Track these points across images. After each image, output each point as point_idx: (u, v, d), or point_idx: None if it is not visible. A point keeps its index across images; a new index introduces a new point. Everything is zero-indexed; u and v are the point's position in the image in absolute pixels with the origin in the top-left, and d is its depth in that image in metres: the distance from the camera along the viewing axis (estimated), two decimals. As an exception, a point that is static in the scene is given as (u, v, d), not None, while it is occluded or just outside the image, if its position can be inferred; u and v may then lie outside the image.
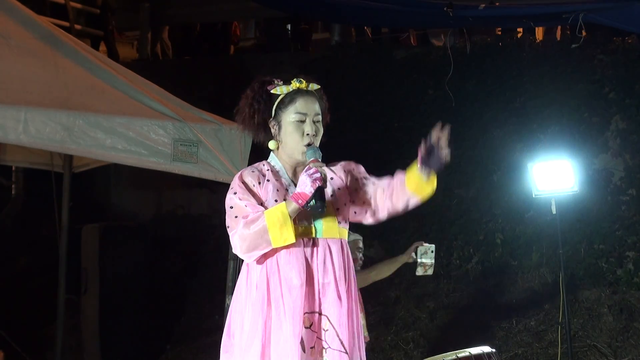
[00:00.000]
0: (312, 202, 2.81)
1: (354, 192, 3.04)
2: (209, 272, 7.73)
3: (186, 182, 7.84)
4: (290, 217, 2.79)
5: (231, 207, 2.89)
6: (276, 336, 2.85)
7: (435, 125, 2.81)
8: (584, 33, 6.56)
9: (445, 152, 2.81)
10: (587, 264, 6.61)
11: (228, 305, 4.83)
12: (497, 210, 7.05)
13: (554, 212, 5.34)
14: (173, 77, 8.55)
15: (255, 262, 2.91)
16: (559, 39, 8.27)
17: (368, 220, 3.06)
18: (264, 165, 3.01)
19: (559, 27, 8.64)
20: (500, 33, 8.76)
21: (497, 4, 7.27)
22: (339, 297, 2.90)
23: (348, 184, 3.05)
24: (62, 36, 4.65)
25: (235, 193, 2.90)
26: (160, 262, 7.48)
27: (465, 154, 7.28)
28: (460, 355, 3.48)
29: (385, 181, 3.03)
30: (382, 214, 3.04)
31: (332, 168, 3.07)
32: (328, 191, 2.94)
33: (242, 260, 2.98)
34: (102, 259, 6.75)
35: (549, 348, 5.98)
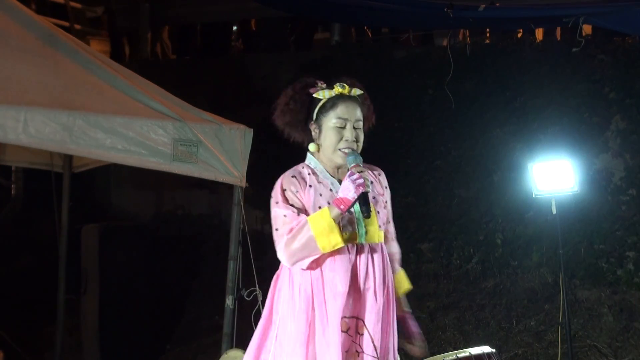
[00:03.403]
0: (357, 207, 2.86)
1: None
2: (209, 272, 7.72)
3: (186, 182, 7.84)
4: (335, 222, 2.81)
5: (272, 218, 2.93)
6: (319, 342, 2.87)
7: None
8: (584, 34, 6.56)
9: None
10: (587, 264, 6.61)
11: (228, 306, 4.86)
12: (497, 210, 7.05)
13: (554, 212, 5.34)
14: (173, 77, 8.55)
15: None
16: (559, 39, 8.26)
17: None
18: (303, 168, 3.02)
19: (559, 28, 8.63)
20: (500, 33, 8.75)
21: (497, 4, 7.26)
22: (376, 303, 2.94)
23: (384, 192, 3.11)
24: (62, 36, 4.64)
25: (277, 202, 2.92)
26: (160, 262, 7.47)
27: (465, 154, 7.28)
28: (460, 355, 3.47)
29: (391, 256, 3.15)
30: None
31: (374, 172, 3.12)
32: (370, 198, 2.97)
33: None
34: (102, 259, 6.75)
35: (549, 348, 5.98)
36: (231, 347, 4.72)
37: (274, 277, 3.09)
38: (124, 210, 8.88)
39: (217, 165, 4.61)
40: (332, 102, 2.99)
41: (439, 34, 9.14)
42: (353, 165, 2.89)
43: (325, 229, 2.79)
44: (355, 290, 2.91)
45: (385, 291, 2.99)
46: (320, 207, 2.90)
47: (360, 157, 2.94)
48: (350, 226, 2.92)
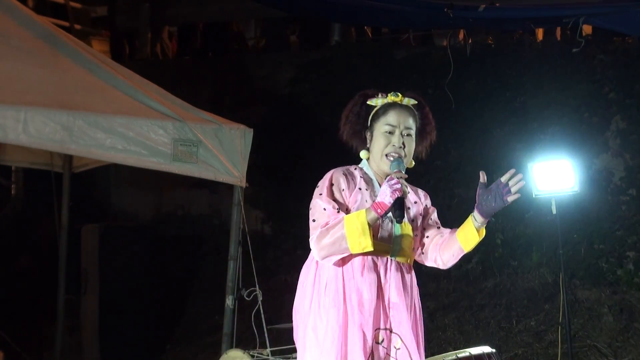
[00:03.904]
0: (392, 212, 2.88)
1: (422, 227, 3.12)
2: (209, 272, 7.73)
3: (186, 182, 7.85)
4: (370, 225, 2.82)
5: (312, 207, 2.93)
6: (350, 342, 2.88)
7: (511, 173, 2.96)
8: (584, 34, 6.56)
9: (512, 199, 2.95)
10: (587, 264, 6.61)
11: (228, 306, 4.86)
12: (497, 210, 7.04)
13: (554, 212, 5.34)
14: (173, 77, 8.55)
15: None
16: (559, 39, 8.26)
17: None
18: (355, 169, 3.05)
19: (559, 28, 8.64)
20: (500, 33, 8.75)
21: (497, 4, 7.26)
22: (410, 318, 2.97)
23: (423, 216, 3.13)
24: (62, 36, 4.65)
25: (320, 194, 2.94)
26: (160, 262, 7.47)
27: (465, 154, 7.27)
28: (460, 355, 3.48)
29: (445, 231, 3.12)
30: (427, 261, 3.13)
31: (419, 194, 3.16)
32: (410, 214, 3.02)
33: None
34: (102, 259, 6.75)
35: (549, 348, 5.98)
36: (231, 347, 4.72)
37: (303, 268, 3.09)
38: (124, 210, 8.88)
39: (217, 165, 4.61)
40: (384, 109, 3.05)
41: (439, 34, 9.14)
42: (395, 171, 2.91)
43: (358, 230, 2.81)
44: (382, 302, 2.94)
45: (414, 310, 3.03)
46: None
47: (404, 165, 2.97)
48: (387, 239, 2.96)
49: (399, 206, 2.86)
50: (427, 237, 3.11)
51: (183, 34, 11.00)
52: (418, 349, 2.98)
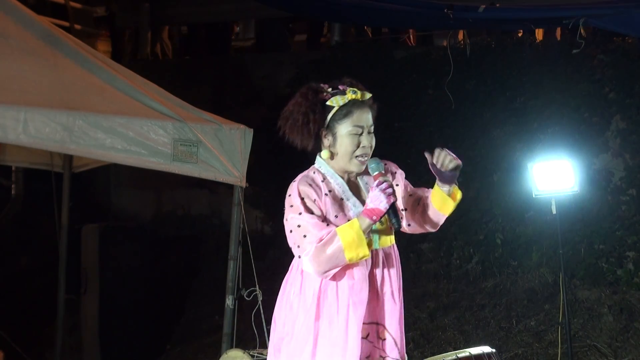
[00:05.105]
0: (389, 220, 2.85)
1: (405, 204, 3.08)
2: (209, 272, 7.73)
3: (186, 182, 7.84)
4: (364, 233, 2.78)
5: (298, 226, 2.83)
6: (333, 347, 2.85)
7: (434, 151, 2.92)
8: (584, 34, 6.55)
9: (451, 167, 2.93)
10: (587, 264, 6.61)
11: (228, 306, 4.86)
12: (497, 210, 7.05)
13: (554, 212, 5.33)
14: (173, 77, 8.56)
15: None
16: (559, 39, 8.26)
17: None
18: (314, 173, 2.97)
19: (559, 28, 8.63)
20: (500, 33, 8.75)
21: (497, 5, 7.26)
22: (396, 305, 2.95)
23: (402, 193, 3.08)
24: (62, 36, 4.65)
25: (300, 213, 2.84)
26: (160, 262, 7.48)
27: (465, 154, 7.26)
28: (460, 355, 3.47)
29: (419, 193, 3.08)
30: (412, 228, 3.10)
31: (396, 176, 3.09)
32: (400, 206, 2.97)
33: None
34: (102, 259, 6.76)
35: (549, 348, 5.97)
36: (231, 347, 4.72)
37: (284, 281, 3.04)
38: (124, 210, 8.88)
39: (217, 165, 4.61)
40: (347, 110, 2.94)
41: (439, 34, 9.15)
42: (376, 173, 2.87)
43: (354, 240, 2.76)
44: (373, 297, 2.92)
45: (399, 294, 3.00)
46: (336, 216, 2.88)
47: (382, 164, 2.92)
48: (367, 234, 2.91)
49: (394, 211, 2.83)
50: (409, 209, 3.07)
51: (183, 33, 11.01)
52: (402, 333, 2.97)
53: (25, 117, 4.07)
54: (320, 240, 2.78)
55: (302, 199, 2.87)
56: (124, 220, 8.37)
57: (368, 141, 2.94)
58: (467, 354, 3.50)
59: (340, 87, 2.97)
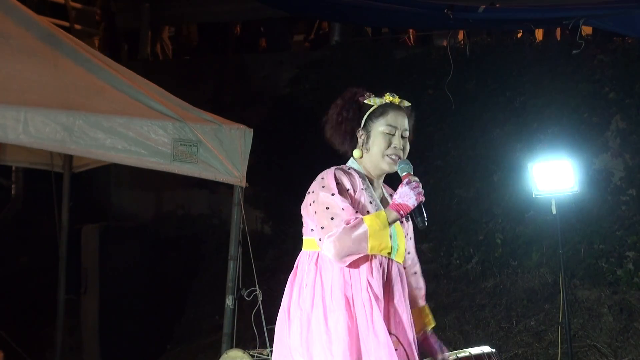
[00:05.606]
0: (414, 217, 2.88)
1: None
2: (209, 272, 7.73)
3: (186, 182, 7.84)
4: (390, 226, 2.83)
5: (327, 208, 2.85)
6: (367, 339, 2.86)
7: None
8: (584, 34, 6.55)
9: None
10: (587, 264, 6.61)
11: (228, 306, 4.86)
12: (497, 210, 7.05)
13: (554, 212, 5.34)
14: (173, 77, 8.56)
15: (330, 263, 2.89)
16: (559, 39, 8.27)
17: None
18: (349, 169, 3.00)
19: (559, 28, 8.64)
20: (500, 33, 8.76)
21: (497, 5, 7.27)
22: (406, 318, 2.98)
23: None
24: (62, 36, 4.65)
25: (332, 194, 2.86)
26: (160, 262, 7.48)
27: (465, 154, 7.27)
28: (460, 355, 3.48)
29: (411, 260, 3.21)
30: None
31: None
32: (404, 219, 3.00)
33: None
34: (102, 259, 6.76)
35: (549, 348, 5.98)
36: (231, 347, 4.72)
37: (291, 274, 3.02)
38: (124, 211, 8.89)
39: (217, 165, 4.61)
40: (382, 109, 3.01)
41: (439, 34, 9.15)
42: (405, 173, 2.90)
43: (380, 230, 2.79)
44: (386, 306, 2.93)
45: (408, 310, 3.03)
46: (368, 212, 2.90)
47: (412, 166, 2.95)
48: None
49: (419, 212, 2.87)
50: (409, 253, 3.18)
51: (183, 33, 11.01)
52: (413, 349, 2.98)
53: (25, 117, 4.07)
54: (348, 223, 2.80)
55: (338, 183, 2.90)
56: (124, 220, 8.37)
57: (400, 143, 2.99)
58: (467, 354, 3.50)
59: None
